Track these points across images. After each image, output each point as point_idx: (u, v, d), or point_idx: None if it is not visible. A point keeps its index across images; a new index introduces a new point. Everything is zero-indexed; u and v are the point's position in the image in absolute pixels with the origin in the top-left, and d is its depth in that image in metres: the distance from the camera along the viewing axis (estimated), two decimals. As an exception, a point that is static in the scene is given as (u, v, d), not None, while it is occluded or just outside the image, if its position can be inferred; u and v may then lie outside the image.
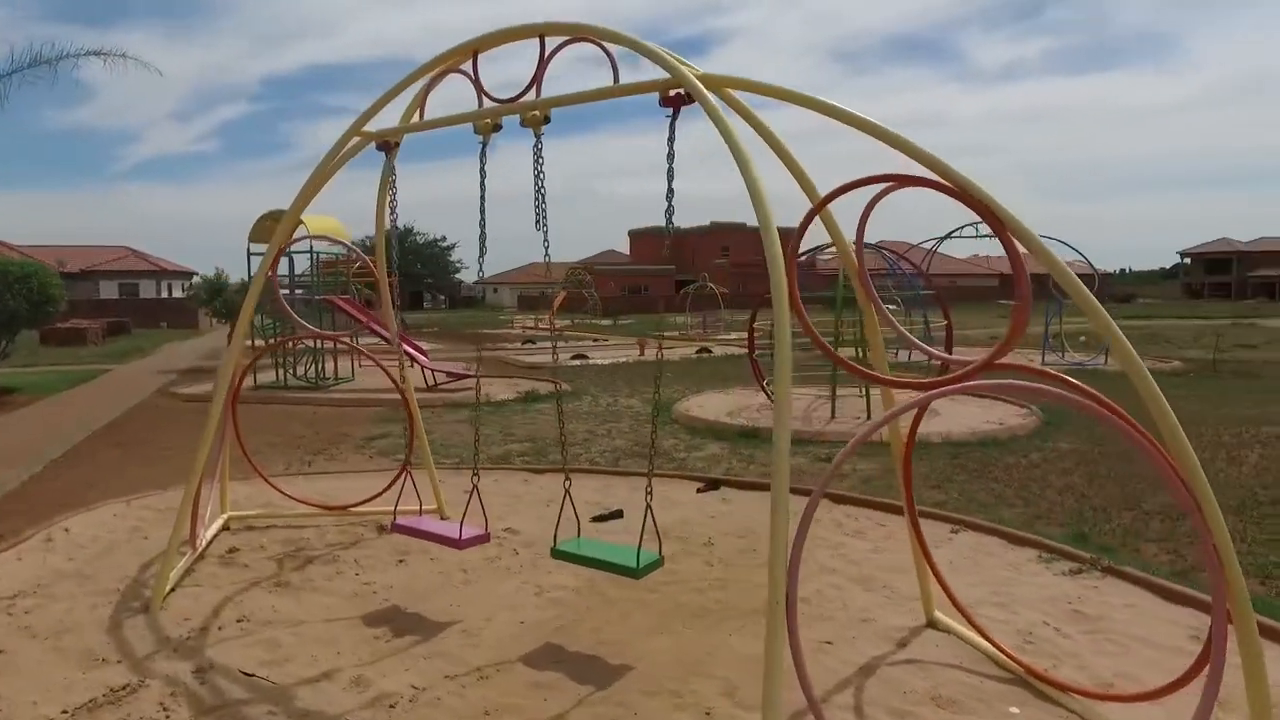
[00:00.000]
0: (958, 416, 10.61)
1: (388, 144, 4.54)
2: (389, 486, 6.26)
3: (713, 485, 7.11)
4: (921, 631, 4.16)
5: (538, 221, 4.06)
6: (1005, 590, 4.65)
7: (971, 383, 2.83)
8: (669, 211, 3.60)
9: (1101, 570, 4.90)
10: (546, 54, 3.91)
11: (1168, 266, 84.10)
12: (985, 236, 19.65)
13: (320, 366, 15.54)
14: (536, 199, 4.02)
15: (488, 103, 4.11)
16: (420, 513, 5.27)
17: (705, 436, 9.95)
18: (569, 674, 3.71)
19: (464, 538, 4.41)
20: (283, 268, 15.64)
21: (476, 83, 4.15)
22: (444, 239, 72.90)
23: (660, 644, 4.04)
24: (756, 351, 12.95)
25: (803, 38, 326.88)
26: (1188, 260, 76.93)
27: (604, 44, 3.73)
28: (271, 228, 14.26)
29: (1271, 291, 69.20)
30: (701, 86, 3.30)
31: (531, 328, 32.59)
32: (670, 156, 3.54)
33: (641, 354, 21.79)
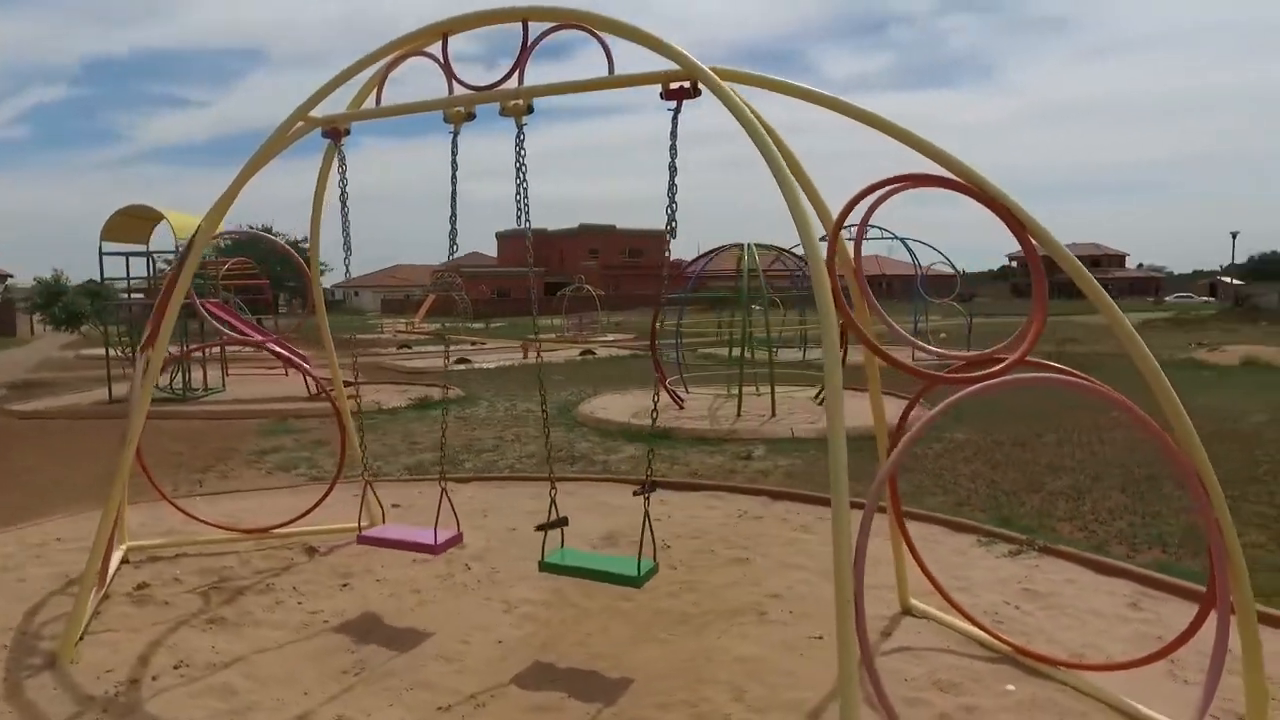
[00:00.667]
0: (860, 412, 11.08)
1: (336, 131, 4.15)
2: (318, 504, 5.78)
3: (649, 487, 7.02)
4: (900, 619, 4.27)
5: (519, 218, 3.84)
6: (960, 574, 4.86)
7: (1009, 377, 2.91)
8: (671, 211, 3.48)
9: (1038, 550, 5.23)
10: (530, 40, 3.70)
11: (996, 268, 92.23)
12: (886, 237, 20.58)
13: (186, 376, 14.17)
14: (518, 194, 3.80)
15: (459, 89, 3.85)
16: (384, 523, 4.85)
17: (618, 439, 9.87)
18: (570, 693, 3.53)
19: (439, 542, 4.14)
20: (134, 268, 14.18)
21: (446, 67, 3.87)
22: (305, 240, 68.59)
23: (651, 653, 3.92)
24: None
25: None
26: (1014, 264, 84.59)
27: (597, 32, 3.57)
28: (128, 225, 12.88)
29: (1072, 291, 77.32)
30: (715, 77, 3.22)
31: (404, 332, 31.28)
32: (673, 151, 3.43)
33: (525, 357, 21.42)
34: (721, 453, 8.93)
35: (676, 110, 3.42)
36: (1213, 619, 2.90)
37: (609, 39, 3.56)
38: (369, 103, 4.21)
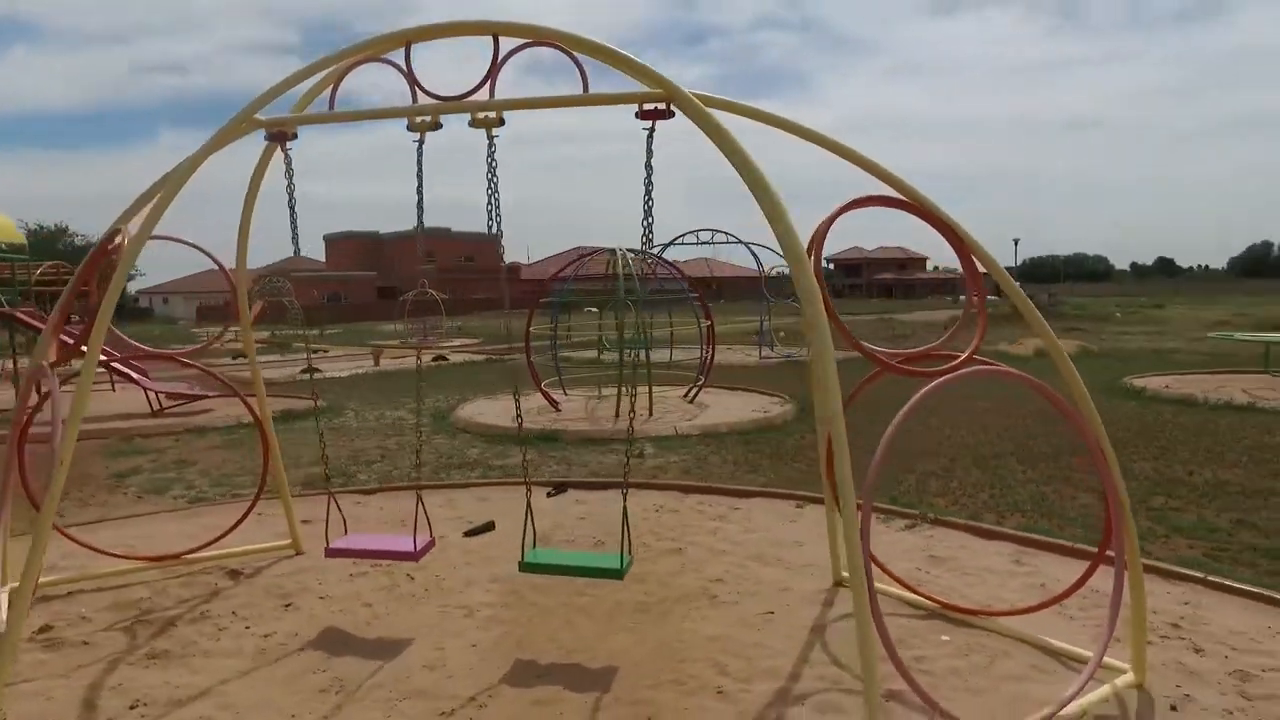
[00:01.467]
0: (729, 409, 11.75)
1: (283, 134, 4.02)
2: (238, 524, 5.46)
3: (561, 489, 7.19)
4: (837, 590, 4.75)
5: (490, 226, 3.92)
6: (872, 548, 5.43)
7: (964, 371, 3.40)
8: (648, 225, 3.72)
9: (930, 523, 5.94)
10: (500, 56, 3.80)
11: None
12: (706, 243, 21.63)
13: None
14: (489, 205, 3.89)
15: (424, 98, 3.87)
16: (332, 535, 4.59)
17: (506, 443, 9.89)
18: (564, 685, 3.67)
19: (419, 548, 4.13)
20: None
21: (410, 75, 3.88)
22: (21, 244, 60.96)
23: (624, 641, 4.13)
24: (506, 357, 13.07)
25: (483, 43, 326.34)
26: (832, 265, 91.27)
27: (571, 51, 3.73)
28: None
29: (889, 291, 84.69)
30: (694, 99, 3.49)
31: (233, 341, 29.00)
32: (649, 168, 3.67)
33: (377, 364, 20.65)
34: (613, 452, 9.20)
35: (651, 130, 3.66)
36: (1102, 571, 3.55)
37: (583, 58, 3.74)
38: (317, 105, 4.11)
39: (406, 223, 65.32)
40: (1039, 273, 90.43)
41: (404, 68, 3.89)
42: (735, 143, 3.37)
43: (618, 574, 3.89)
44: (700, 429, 10.20)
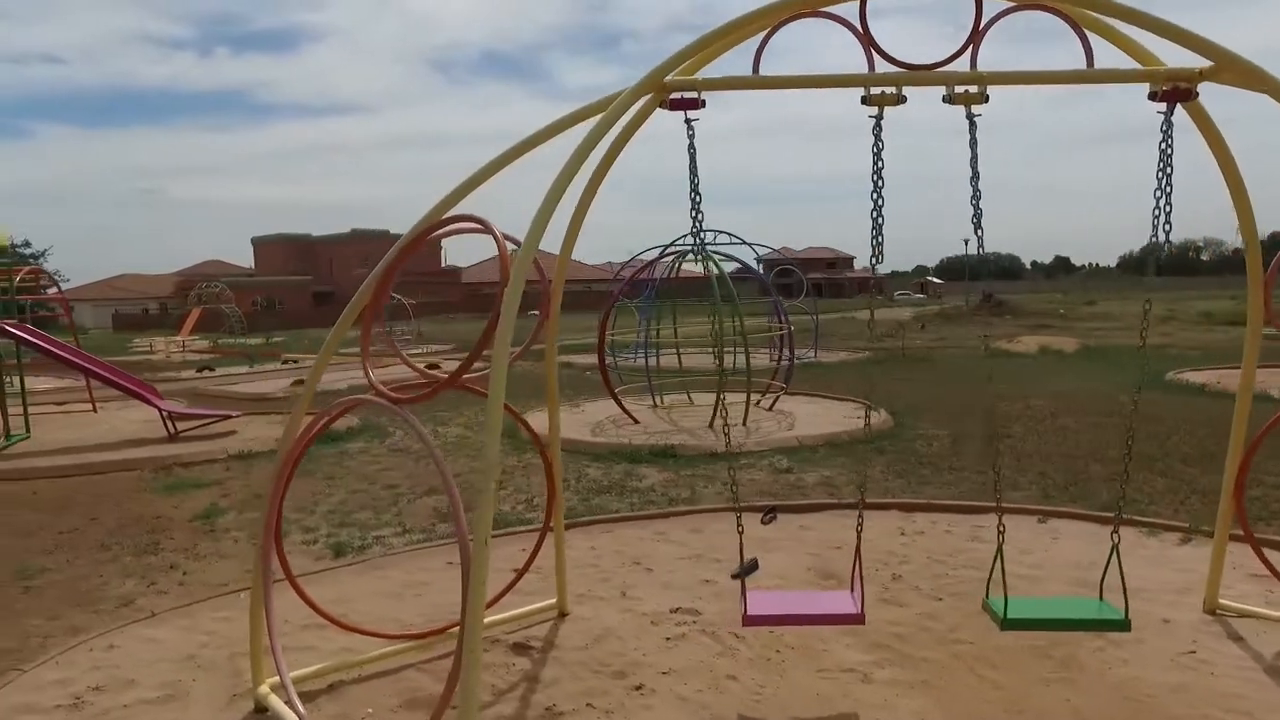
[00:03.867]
0: (817, 416, 11.30)
1: (692, 102, 3.25)
2: (513, 584, 4.57)
3: (772, 513, 6.53)
4: (1220, 620, 4.30)
5: (976, 225, 3.28)
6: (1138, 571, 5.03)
7: None
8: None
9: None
10: (983, 21, 3.17)
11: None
12: (709, 244, 21.10)
13: None
14: (973, 195, 3.25)
15: (885, 65, 3.20)
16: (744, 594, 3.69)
17: (614, 460, 9.10)
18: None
19: (859, 605, 3.44)
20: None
21: (865, 36, 3.20)
22: (26, 244, 54.99)
23: (1073, 695, 3.56)
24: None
25: (400, 43, 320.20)
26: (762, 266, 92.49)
27: (1074, 18, 3.14)
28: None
29: (820, 290, 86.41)
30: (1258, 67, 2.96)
31: (179, 352, 26.73)
32: (1167, 158, 3.12)
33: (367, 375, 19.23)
34: (752, 467, 8.58)
35: (1169, 113, 3.11)
36: None
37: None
38: (722, 68, 3.37)
39: (342, 224, 62.38)
40: (954, 270, 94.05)
41: (859, 27, 3.21)
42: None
43: (1123, 625, 3.32)
44: (823, 438, 9.68)
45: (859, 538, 3.66)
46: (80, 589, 5.50)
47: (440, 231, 3.62)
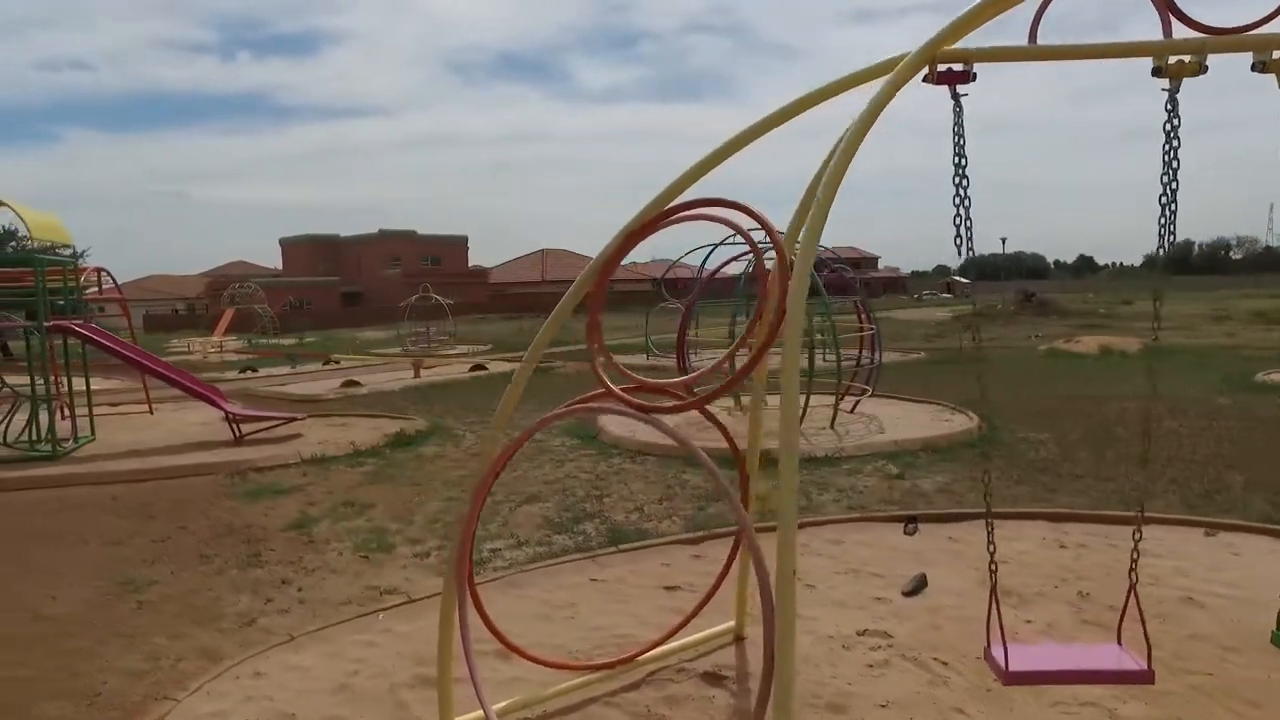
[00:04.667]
0: (902, 418, 10.85)
1: (964, 75, 2.85)
2: (704, 604, 4.17)
3: (913, 522, 6.11)
4: None
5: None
6: None
7: None
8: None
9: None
10: (1311, -36, 2.73)
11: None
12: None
13: (35, 422, 10.49)
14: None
15: (1183, 30, 2.78)
16: (1002, 640, 3.02)
17: (726, 466, 8.68)
18: None
19: (1149, 663, 3.00)
20: None
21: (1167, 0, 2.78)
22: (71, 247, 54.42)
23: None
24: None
25: (417, 46, 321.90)
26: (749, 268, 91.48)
27: None
28: None
29: (844, 291, 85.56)
30: None
31: (217, 352, 26.60)
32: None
33: (417, 375, 18.97)
34: (858, 473, 8.16)
35: None
36: None
37: None
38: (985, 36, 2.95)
39: (356, 226, 62.43)
40: (983, 271, 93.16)
41: (1162, -18, 2.79)
42: None
43: None
44: (918, 441, 9.23)
45: (1134, 574, 3.12)
46: (194, 605, 5.17)
47: (687, 215, 3.22)
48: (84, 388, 11.31)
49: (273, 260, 66.32)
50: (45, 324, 9.78)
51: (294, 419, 11.39)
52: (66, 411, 10.69)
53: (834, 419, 10.42)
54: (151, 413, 13.53)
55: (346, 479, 8.74)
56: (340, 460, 9.62)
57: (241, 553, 6.24)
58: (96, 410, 12.03)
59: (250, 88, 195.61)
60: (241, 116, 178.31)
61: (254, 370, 21.17)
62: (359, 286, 55.98)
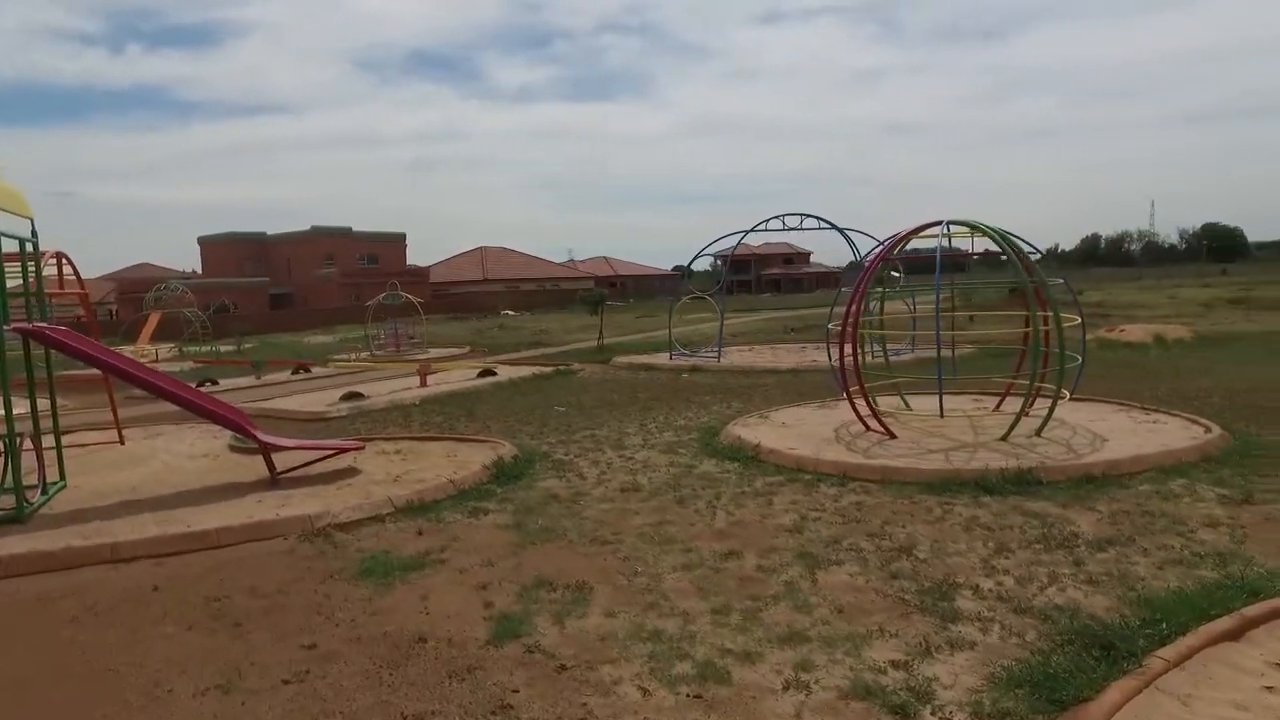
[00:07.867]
0: (1116, 427, 8.99)
1: None
2: None
3: None
4: None
5: None
6: None
7: None
8: None
9: None
10: None
11: (709, 267, 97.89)
12: (794, 228, 18.86)
13: (8, 468, 7.26)
14: None
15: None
16: None
17: (972, 491, 6.55)
18: None
19: None
20: None
21: None
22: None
23: None
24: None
25: (329, 42, 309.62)
26: (720, 262, 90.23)
27: None
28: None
29: (778, 285, 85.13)
30: None
31: (152, 361, 22.67)
32: None
33: (423, 384, 16.05)
34: (1161, 495, 6.14)
35: None
36: None
37: None
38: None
39: (273, 225, 57.60)
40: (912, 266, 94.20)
41: None
42: None
43: None
44: (1191, 452, 7.39)
45: None
46: None
47: None
48: (49, 411, 8.19)
49: (181, 262, 60.34)
50: (4, 326, 6.71)
51: (348, 449, 8.57)
52: (29, 444, 7.58)
53: (1043, 426, 8.50)
54: (123, 443, 10.36)
55: (486, 538, 6.14)
56: (446, 506, 6.99)
57: (467, 702, 3.64)
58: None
59: (146, 81, 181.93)
60: (138, 112, 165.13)
61: (214, 382, 17.75)
62: (289, 287, 51.13)
